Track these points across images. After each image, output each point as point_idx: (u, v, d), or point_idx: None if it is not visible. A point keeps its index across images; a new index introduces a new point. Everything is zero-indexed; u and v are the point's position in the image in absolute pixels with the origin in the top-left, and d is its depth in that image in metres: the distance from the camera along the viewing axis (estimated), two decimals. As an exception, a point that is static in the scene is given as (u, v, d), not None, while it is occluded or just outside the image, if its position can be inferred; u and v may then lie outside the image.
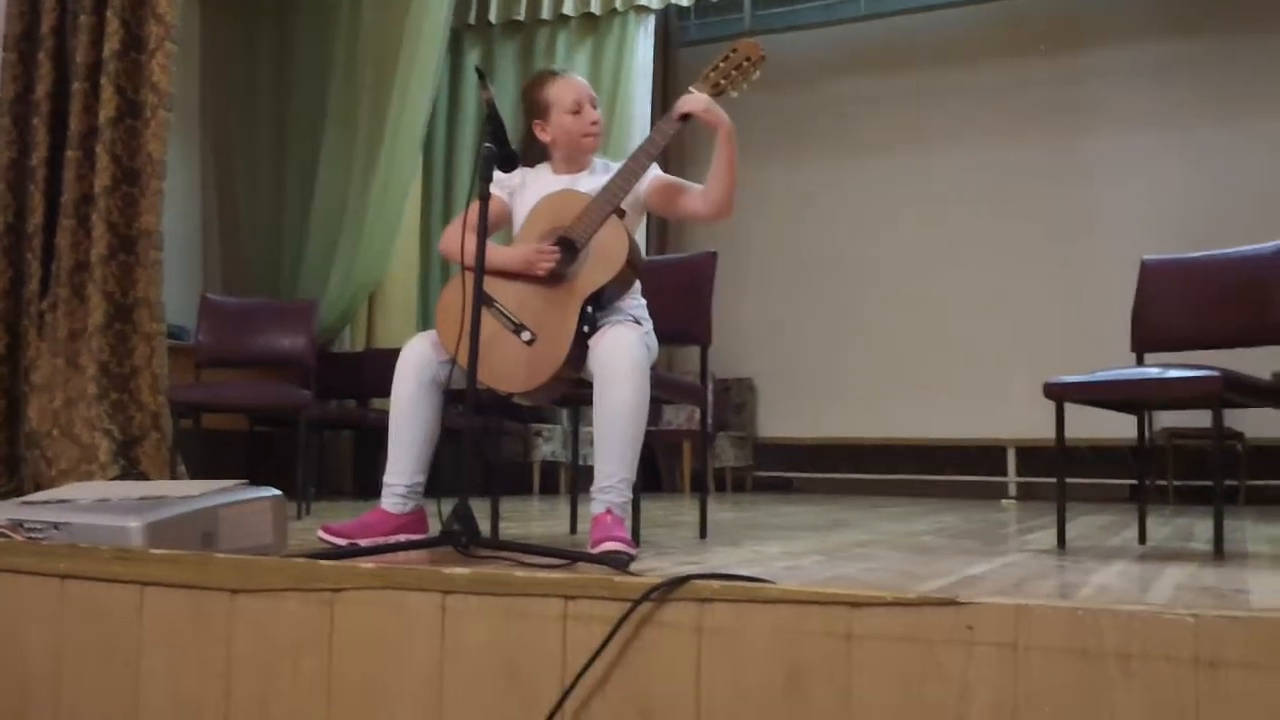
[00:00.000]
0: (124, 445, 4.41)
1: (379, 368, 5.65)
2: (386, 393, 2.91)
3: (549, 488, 7.17)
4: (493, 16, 7.38)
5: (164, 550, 2.14)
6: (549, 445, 7.04)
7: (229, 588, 2.03)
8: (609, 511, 2.65)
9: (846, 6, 8.55)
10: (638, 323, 2.95)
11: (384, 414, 3.32)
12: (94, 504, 2.41)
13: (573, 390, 2.96)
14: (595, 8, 7.16)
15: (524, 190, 3.11)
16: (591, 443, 2.75)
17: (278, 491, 2.57)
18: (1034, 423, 6.37)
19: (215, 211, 6.82)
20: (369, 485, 6.13)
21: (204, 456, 4.80)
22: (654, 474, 8.00)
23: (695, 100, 2.88)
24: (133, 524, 2.23)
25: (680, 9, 8.44)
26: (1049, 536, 3.61)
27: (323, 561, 2.01)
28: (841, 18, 8.54)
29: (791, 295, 8.45)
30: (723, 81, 2.91)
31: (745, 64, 2.91)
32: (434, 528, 2.57)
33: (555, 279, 2.84)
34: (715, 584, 1.71)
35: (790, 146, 8.47)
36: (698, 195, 3.02)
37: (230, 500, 2.41)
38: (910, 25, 8.26)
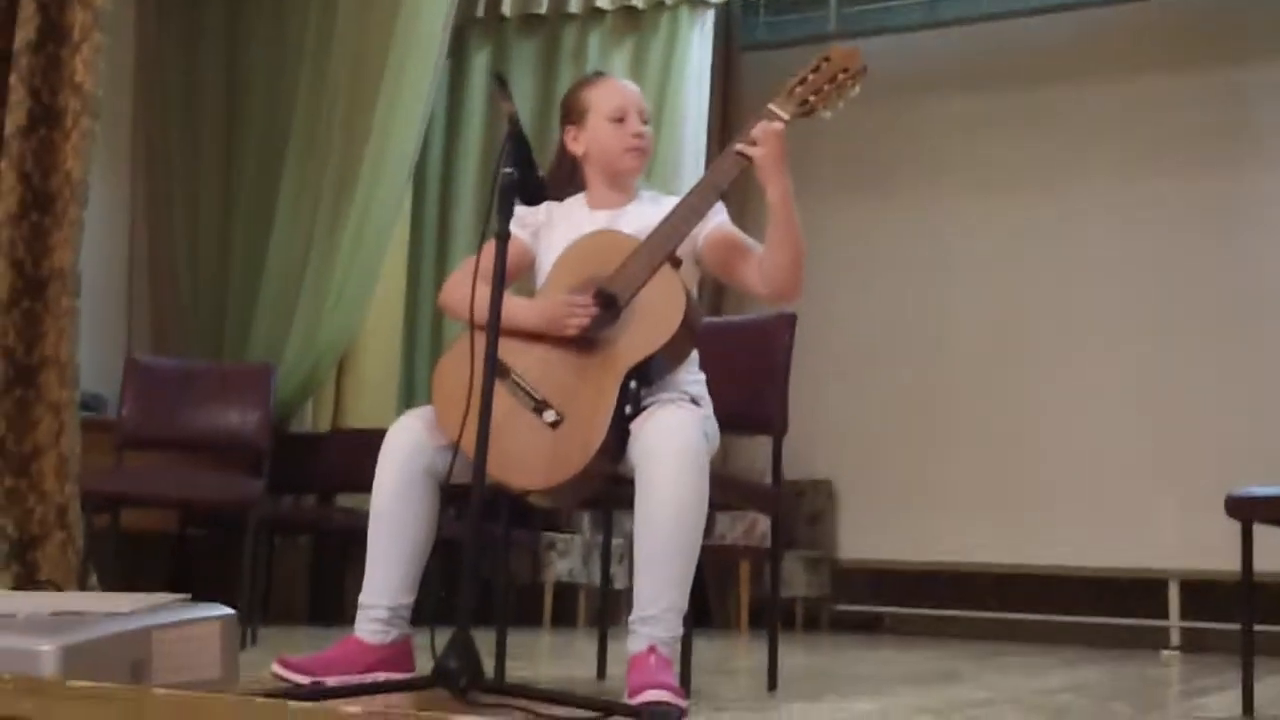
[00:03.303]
0: (21, 546, 4.44)
1: (350, 454, 5.66)
2: (358, 487, 2.92)
3: (564, 618, 7.14)
4: (506, 9, 7.48)
5: (85, 683, 2.15)
6: (565, 562, 7.03)
7: (166, 734, 2.03)
8: (653, 649, 2.65)
9: (961, 2, 8.42)
10: (695, 403, 2.96)
11: (357, 514, 3.34)
12: (-8, 621, 2.43)
13: (606, 489, 2.97)
14: (638, 0, 7.24)
15: (551, 229, 3.16)
16: (620, 559, 2.75)
17: (230, 610, 2.59)
18: (1205, 549, 6.30)
19: (146, 249, 6.91)
20: (330, 607, 6.12)
21: (120, 565, 4.82)
22: (702, 602, 7.96)
23: (768, 134, 2.90)
24: (45, 647, 2.25)
25: (746, 3, 8.57)
26: (1230, 700, 3.56)
27: (293, 704, 2.02)
28: (957, 17, 8.45)
29: (884, 375, 8.42)
30: (812, 98, 2.95)
31: (841, 76, 2.95)
32: (423, 664, 2.58)
33: (590, 344, 2.87)
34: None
35: (883, 184, 8.49)
36: (755, 266, 3.04)
37: (169, 620, 2.43)
38: (1039, 27, 8.28)
